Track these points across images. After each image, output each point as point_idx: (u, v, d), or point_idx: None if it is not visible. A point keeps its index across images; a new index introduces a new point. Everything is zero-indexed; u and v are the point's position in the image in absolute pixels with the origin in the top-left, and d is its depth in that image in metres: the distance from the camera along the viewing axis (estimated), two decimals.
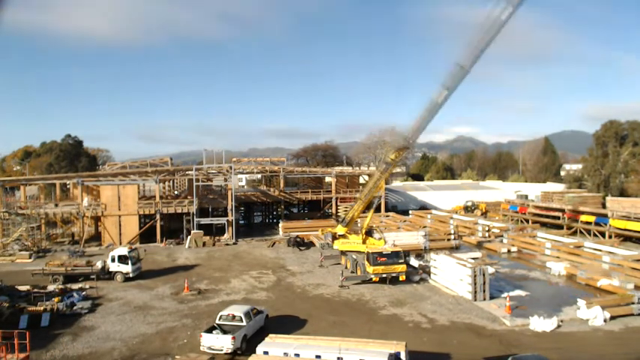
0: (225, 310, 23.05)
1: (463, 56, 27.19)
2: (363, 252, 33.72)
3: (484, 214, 59.24)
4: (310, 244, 47.78)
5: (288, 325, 24.52)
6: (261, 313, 24.21)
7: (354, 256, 34.90)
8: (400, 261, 32.29)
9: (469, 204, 70.60)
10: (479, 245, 46.26)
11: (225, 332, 21.23)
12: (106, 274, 34.41)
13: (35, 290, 30.91)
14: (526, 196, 69.95)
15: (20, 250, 45.14)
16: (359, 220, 38.75)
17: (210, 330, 21.44)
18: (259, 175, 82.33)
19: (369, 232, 36.92)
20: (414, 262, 36.95)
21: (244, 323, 22.03)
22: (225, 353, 20.48)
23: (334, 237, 37.86)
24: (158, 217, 51.06)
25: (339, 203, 62.82)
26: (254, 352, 18.90)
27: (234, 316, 22.33)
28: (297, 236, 48.31)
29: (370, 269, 31.73)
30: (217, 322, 22.32)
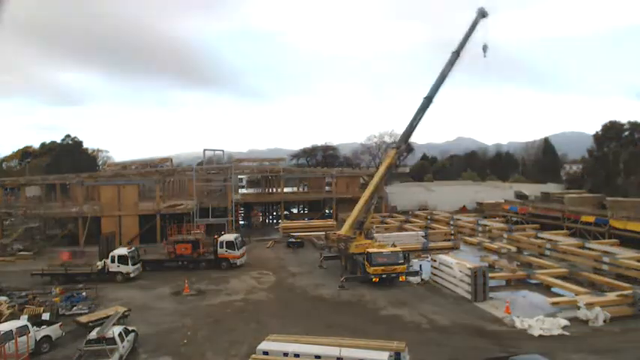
0: (93, 333, 20.64)
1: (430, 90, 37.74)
2: (363, 252, 33.69)
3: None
4: (310, 245, 47.76)
5: (288, 325, 24.50)
6: (133, 332, 22.21)
7: (354, 257, 34.86)
8: (400, 261, 32.28)
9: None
10: (479, 245, 46.20)
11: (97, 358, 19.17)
12: (106, 275, 34.43)
13: (35, 291, 30.91)
14: (526, 197, 69.91)
15: (20, 251, 45.11)
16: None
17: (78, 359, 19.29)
18: (259, 176, 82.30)
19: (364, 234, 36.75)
20: (415, 262, 36.93)
21: (119, 344, 20.02)
22: None
23: (348, 240, 36.86)
24: (158, 217, 51.02)
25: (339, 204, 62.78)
26: None
27: (105, 339, 19.92)
28: (297, 237, 48.42)
29: (370, 270, 31.72)
30: (85, 347, 19.79)
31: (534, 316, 24.42)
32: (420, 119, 38.02)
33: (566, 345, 21.62)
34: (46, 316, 24.79)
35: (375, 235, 37.35)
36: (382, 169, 38.92)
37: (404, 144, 39.97)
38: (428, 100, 37.68)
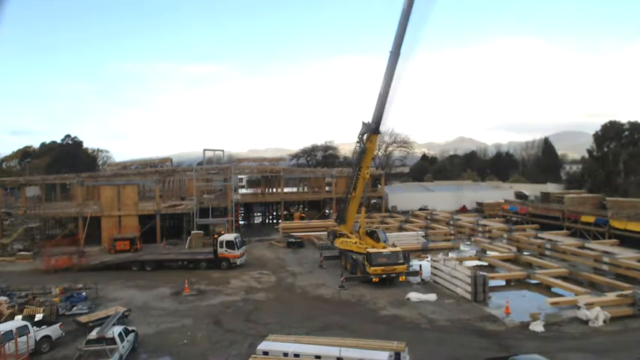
0: (93, 333, 20.50)
1: (392, 45, 32.98)
2: (363, 252, 33.73)
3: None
4: (310, 244, 47.78)
5: (288, 325, 24.52)
6: (133, 332, 22.02)
7: (354, 257, 34.90)
8: (400, 261, 32.29)
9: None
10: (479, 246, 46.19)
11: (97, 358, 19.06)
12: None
13: (35, 291, 30.89)
14: (526, 197, 69.91)
15: (20, 251, 45.09)
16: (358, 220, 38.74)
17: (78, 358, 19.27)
18: (259, 176, 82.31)
19: (370, 234, 36.84)
20: (414, 262, 36.94)
21: (119, 345, 19.85)
22: None
23: (336, 235, 38.44)
24: (158, 217, 51.01)
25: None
26: None
27: (105, 339, 19.77)
28: (296, 237, 48.48)
29: (370, 270, 31.73)
30: (85, 347, 19.64)
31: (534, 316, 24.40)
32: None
33: (566, 346, 21.62)
34: (39, 317, 24.48)
35: (380, 235, 36.59)
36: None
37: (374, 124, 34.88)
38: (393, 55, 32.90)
